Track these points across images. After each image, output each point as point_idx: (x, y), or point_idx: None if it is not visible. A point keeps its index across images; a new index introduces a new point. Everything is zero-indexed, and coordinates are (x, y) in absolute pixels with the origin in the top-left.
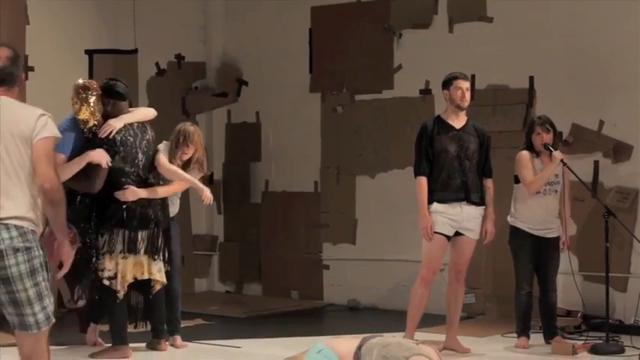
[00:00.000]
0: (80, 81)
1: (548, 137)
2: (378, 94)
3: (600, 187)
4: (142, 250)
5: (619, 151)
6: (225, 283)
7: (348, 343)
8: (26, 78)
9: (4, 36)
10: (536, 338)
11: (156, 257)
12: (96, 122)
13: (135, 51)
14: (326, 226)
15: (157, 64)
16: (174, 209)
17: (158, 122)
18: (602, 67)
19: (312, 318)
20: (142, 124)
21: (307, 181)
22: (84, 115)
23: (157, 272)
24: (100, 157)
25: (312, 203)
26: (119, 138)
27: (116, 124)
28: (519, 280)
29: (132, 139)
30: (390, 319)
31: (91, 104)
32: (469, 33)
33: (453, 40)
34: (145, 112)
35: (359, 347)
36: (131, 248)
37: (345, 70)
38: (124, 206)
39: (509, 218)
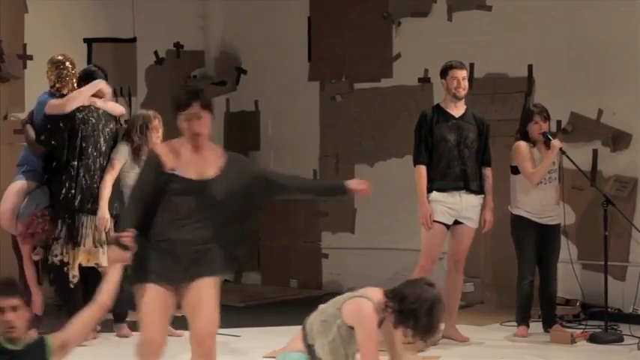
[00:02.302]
0: (58, 57)
1: (545, 126)
2: (376, 82)
3: (599, 176)
4: (89, 241)
5: (618, 140)
6: None
7: (298, 341)
8: (25, 66)
9: (3, 24)
10: (535, 327)
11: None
12: (67, 91)
13: (133, 39)
14: (325, 215)
15: (155, 53)
16: None
17: (157, 111)
18: (601, 55)
19: (311, 307)
20: (110, 115)
21: (306, 169)
22: (57, 87)
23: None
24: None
25: None
26: (80, 116)
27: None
28: (523, 269)
29: (94, 121)
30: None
31: (63, 77)
32: (468, 21)
33: (451, 29)
34: (114, 106)
35: (303, 328)
36: (74, 236)
37: (344, 58)
38: (70, 195)
39: (511, 208)
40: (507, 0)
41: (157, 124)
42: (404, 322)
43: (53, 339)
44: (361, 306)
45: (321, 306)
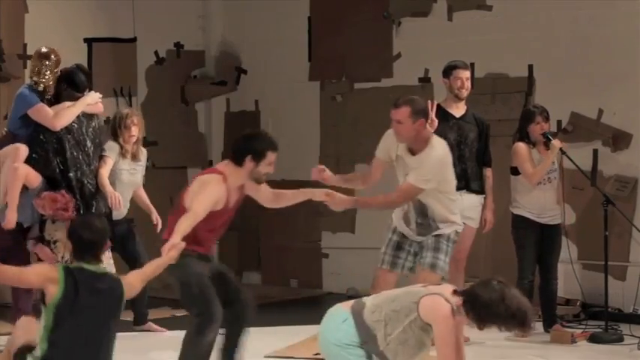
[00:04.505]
0: (43, 49)
1: (546, 126)
2: (377, 82)
3: (599, 176)
4: None
5: (618, 140)
6: None
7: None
8: (25, 66)
9: (3, 24)
10: (535, 327)
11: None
12: (44, 87)
13: (134, 39)
14: (325, 214)
15: (155, 53)
16: (124, 212)
17: (157, 111)
18: (602, 55)
19: (311, 307)
20: (89, 114)
21: (306, 169)
22: (36, 77)
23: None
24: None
25: None
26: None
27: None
28: (524, 269)
29: (77, 126)
30: None
31: (45, 70)
32: (468, 21)
33: (452, 29)
34: (91, 107)
35: (359, 303)
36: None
37: (344, 58)
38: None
39: (512, 208)
40: (508, 0)
41: (130, 122)
42: (486, 323)
43: (124, 284)
44: (439, 306)
45: (389, 293)
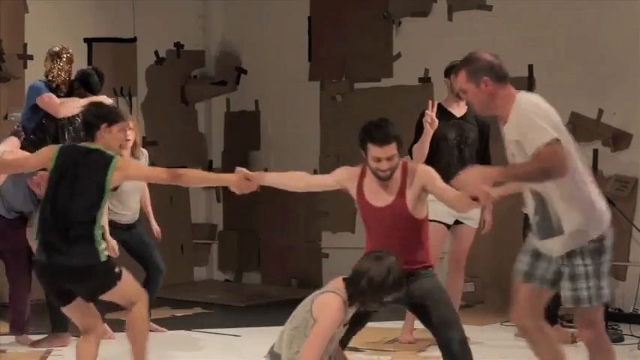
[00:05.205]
0: (55, 48)
1: None
2: (377, 82)
3: (599, 176)
4: None
5: (618, 140)
6: (225, 271)
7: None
8: (25, 66)
9: (3, 24)
10: None
11: None
12: (59, 83)
13: (134, 39)
14: (325, 214)
15: (155, 53)
16: (134, 216)
17: (157, 111)
18: (602, 55)
19: None
20: None
21: (306, 169)
22: (51, 75)
23: None
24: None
25: (311, 192)
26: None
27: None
28: None
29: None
30: (389, 308)
31: (58, 68)
32: (468, 21)
33: (452, 29)
34: None
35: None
36: None
37: (344, 58)
38: None
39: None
40: (508, 0)
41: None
42: (355, 299)
43: (119, 159)
44: (328, 301)
45: (291, 316)
